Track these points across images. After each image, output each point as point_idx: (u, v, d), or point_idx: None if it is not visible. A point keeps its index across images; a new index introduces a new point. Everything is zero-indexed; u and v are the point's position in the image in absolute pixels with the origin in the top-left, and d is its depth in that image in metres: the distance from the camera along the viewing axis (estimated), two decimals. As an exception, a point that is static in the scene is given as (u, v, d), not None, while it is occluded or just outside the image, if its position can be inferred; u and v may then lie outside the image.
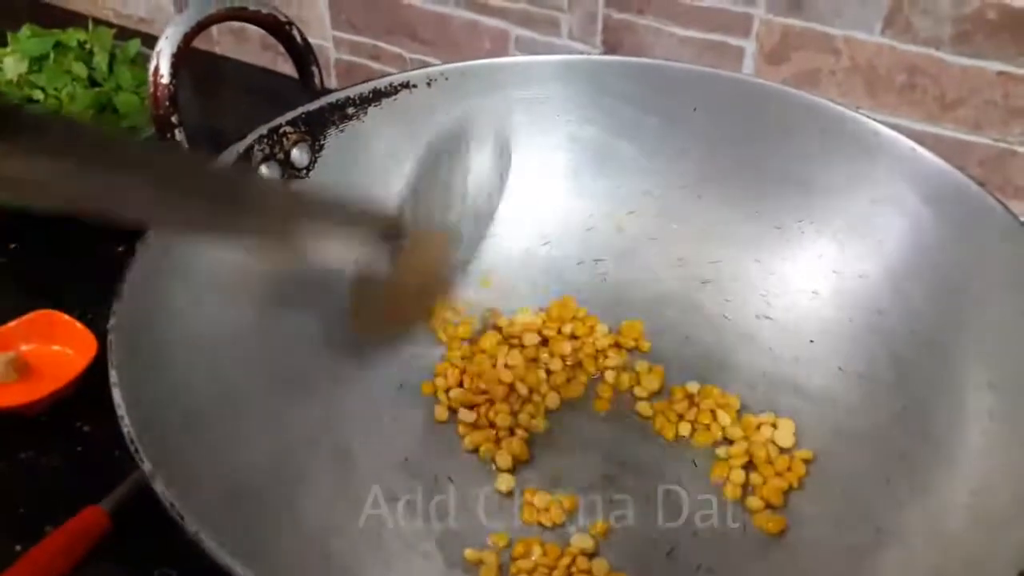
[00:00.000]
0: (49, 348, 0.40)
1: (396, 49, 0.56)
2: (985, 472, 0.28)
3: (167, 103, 0.33)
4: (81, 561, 0.32)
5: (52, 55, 0.50)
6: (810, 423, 0.34)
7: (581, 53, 0.49)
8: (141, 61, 0.52)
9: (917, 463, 0.30)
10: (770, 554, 0.30)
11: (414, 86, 0.37)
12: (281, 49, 0.38)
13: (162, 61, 0.32)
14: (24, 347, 0.39)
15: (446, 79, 0.37)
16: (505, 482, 0.33)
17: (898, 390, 0.33)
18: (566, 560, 0.29)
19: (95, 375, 0.38)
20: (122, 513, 0.33)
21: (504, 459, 0.33)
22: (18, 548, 0.32)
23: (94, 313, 0.41)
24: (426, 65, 0.42)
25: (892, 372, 0.33)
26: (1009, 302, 0.30)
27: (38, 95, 0.49)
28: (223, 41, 0.63)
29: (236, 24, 0.51)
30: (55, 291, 0.42)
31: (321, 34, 0.58)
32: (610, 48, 0.49)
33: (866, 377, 0.34)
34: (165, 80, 0.33)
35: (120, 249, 0.44)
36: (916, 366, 0.33)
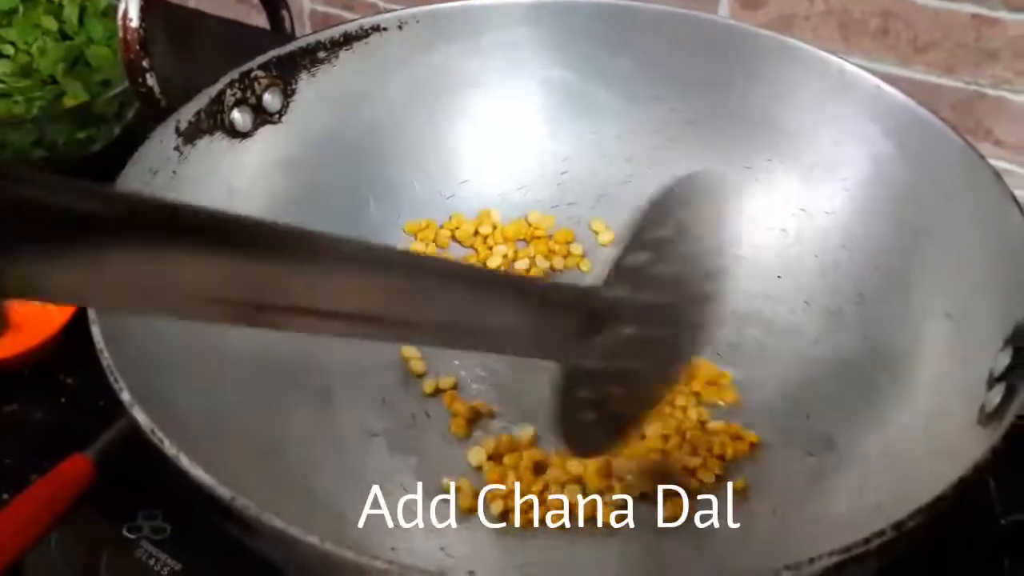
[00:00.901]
0: (29, 303, 0.40)
1: None
2: (940, 399, 0.29)
3: (137, 47, 0.33)
4: (68, 507, 0.33)
5: (21, 9, 0.49)
6: (776, 355, 0.35)
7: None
8: (112, 14, 0.51)
9: (877, 391, 0.32)
10: (732, 471, 0.31)
11: (385, 29, 0.37)
12: (255, 1, 0.37)
13: (130, 4, 0.32)
14: (4, 302, 0.40)
15: (417, 22, 0.37)
16: (476, 456, 0.32)
17: (861, 322, 0.34)
18: (539, 486, 0.30)
19: (77, 329, 0.38)
20: (107, 461, 0.33)
21: (477, 455, 0.32)
22: (5, 496, 0.33)
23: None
24: (400, 15, 0.41)
25: (856, 305, 0.34)
26: (967, 235, 0.31)
27: (8, 50, 0.48)
28: (196, -5, 0.62)
29: (208, -25, 0.50)
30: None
31: (295, -15, 0.57)
32: (584, -8, 0.49)
33: (831, 311, 0.35)
34: (134, 24, 0.32)
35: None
36: (878, 299, 0.34)
